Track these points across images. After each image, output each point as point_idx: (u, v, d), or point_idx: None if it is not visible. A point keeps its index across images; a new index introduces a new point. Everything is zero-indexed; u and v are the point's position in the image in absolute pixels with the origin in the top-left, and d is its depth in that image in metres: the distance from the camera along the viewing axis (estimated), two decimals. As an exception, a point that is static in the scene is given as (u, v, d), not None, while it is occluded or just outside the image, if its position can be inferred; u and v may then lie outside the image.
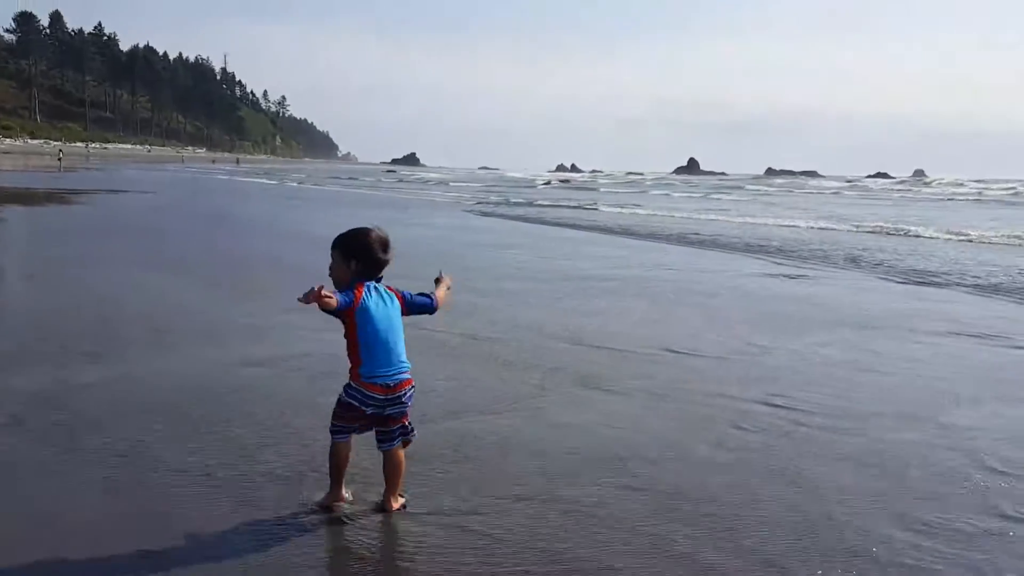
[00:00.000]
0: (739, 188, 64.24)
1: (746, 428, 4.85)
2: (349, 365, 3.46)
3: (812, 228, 22.60)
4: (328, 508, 3.54)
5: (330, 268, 3.50)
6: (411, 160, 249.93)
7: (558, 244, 16.72)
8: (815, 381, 5.96)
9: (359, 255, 3.44)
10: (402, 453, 3.56)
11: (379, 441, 3.55)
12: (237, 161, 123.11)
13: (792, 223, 24.40)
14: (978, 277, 12.49)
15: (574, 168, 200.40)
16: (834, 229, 22.33)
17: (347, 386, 3.48)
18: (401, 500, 3.59)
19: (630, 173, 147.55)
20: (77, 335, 6.68)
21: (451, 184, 61.49)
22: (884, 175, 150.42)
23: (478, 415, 4.92)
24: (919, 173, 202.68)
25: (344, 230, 3.52)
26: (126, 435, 4.37)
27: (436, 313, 3.66)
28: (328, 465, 3.58)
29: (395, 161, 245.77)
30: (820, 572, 3.13)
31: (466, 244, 16.18)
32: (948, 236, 19.76)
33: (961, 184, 78.68)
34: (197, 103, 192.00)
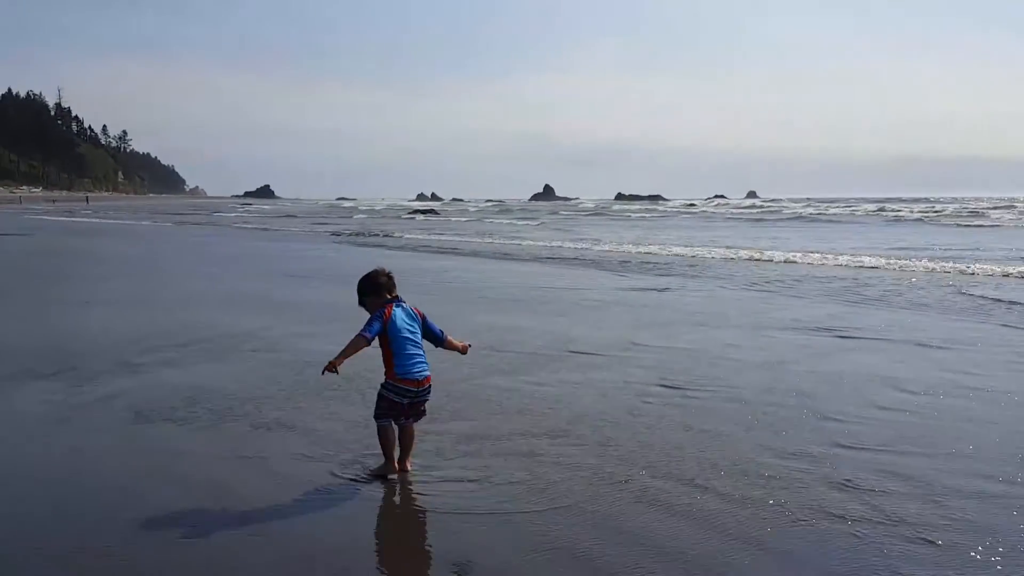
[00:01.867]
0: (597, 214, 67.92)
1: (651, 402, 6.30)
2: (384, 368, 4.60)
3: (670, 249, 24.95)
4: (384, 476, 4.59)
5: (367, 310, 4.69)
6: (265, 192, 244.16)
7: (444, 269, 17.97)
8: (692, 366, 7.51)
9: (370, 289, 4.70)
10: (414, 427, 4.71)
11: (401, 419, 4.64)
12: (86, 199, 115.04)
13: (660, 245, 26.71)
14: (798, 282, 14.76)
15: (434, 197, 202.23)
16: (692, 248, 24.75)
17: (385, 385, 4.59)
18: (411, 461, 4.71)
19: (489, 200, 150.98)
20: None
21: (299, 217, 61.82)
22: (722, 196, 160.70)
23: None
24: (752, 194, 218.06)
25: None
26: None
27: (443, 346, 4.82)
28: (380, 444, 4.63)
29: (248, 194, 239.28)
30: (713, 479, 4.55)
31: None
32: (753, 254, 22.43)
33: (754, 205, 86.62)
34: (30, 140, 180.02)
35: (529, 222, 53.59)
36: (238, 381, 6.93)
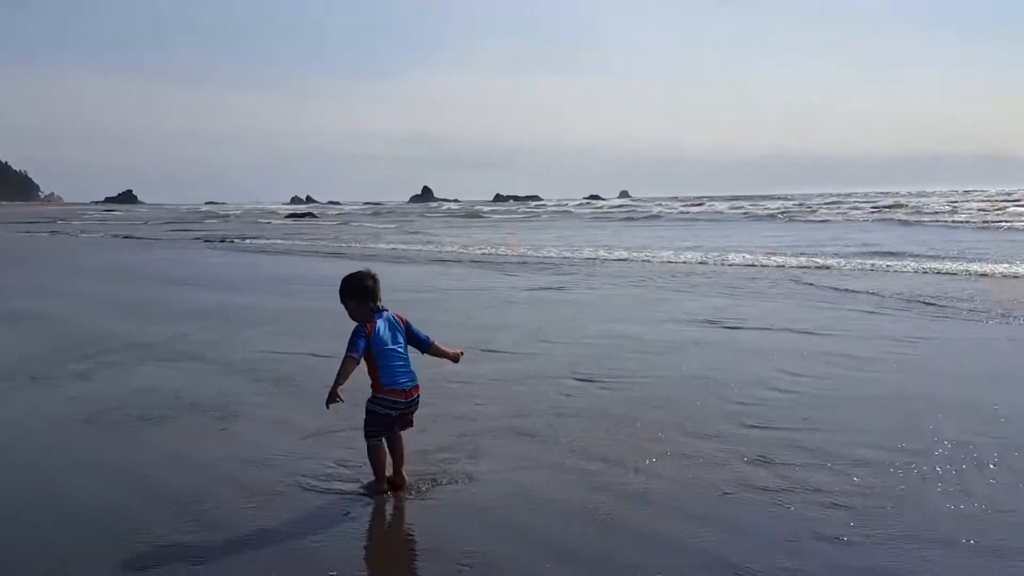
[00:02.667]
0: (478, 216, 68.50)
1: (570, 394, 6.62)
2: (371, 382, 4.45)
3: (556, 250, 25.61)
4: (378, 492, 4.48)
5: (349, 314, 4.53)
6: (127, 198, 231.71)
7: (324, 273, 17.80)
8: (601, 360, 7.90)
9: (353, 293, 4.51)
10: (403, 437, 4.57)
11: (389, 431, 4.51)
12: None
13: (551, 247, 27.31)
14: (675, 277, 15.60)
15: (309, 200, 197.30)
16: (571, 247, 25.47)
17: (372, 399, 4.45)
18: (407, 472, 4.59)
19: (367, 203, 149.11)
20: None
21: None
22: (596, 197, 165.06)
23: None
24: (624, 193, 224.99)
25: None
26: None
27: (430, 351, 4.64)
28: (370, 462, 4.52)
29: (109, 200, 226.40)
30: (640, 461, 4.89)
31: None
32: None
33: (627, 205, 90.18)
34: None
35: (389, 225, 53.29)
36: (169, 389, 6.77)
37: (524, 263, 20.34)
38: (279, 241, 33.66)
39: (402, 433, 4.58)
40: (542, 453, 5.18)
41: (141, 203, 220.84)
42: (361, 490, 4.55)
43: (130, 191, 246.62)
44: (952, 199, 61.31)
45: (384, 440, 4.53)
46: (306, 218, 69.23)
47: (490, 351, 8.44)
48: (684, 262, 19.44)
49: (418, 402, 4.57)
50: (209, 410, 6.26)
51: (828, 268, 17.29)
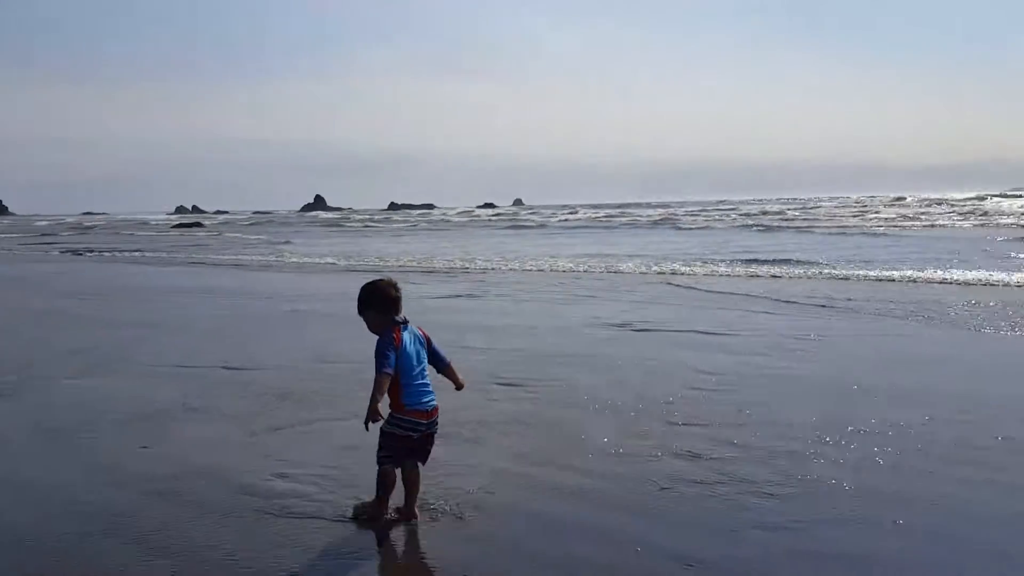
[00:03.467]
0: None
1: (496, 399, 6.65)
2: (389, 400, 4.05)
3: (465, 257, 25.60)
4: (375, 516, 4.17)
5: (367, 325, 4.19)
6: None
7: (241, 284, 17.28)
8: (523, 365, 7.98)
9: (375, 302, 4.15)
10: (419, 470, 4.23)
11: (406, 458, 4.16)
12: None
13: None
14: (576, 282, 15.94)
15: (196, 209, 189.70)
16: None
17: (392, 420, 4.07)
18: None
19: (257, 212, 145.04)
20: None
21: None
22: (491, 205, 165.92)
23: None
24: (518, 202, 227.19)
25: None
26: None
27: (444, 372, 4.31)
28: (379, 485, 4.16)
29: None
30: (577, 460, 4.99)
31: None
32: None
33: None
34: None
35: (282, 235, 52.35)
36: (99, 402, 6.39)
37: (431, 272, 20.29)
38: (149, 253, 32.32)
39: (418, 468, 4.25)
40: (476, 458, 5.19)
41: (12, 213, 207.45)
42: (355, 512, 4.24)
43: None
44: (833, 205, 64.65)
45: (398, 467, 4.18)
46: (194, 228, 66.84)
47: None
48: (584, 270, 19.77)
49: (437, 423, 4.21)
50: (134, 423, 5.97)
51: (716, 274, 18.00)
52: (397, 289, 4.22)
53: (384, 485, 4.18)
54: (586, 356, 8.47)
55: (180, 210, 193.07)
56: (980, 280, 15.07)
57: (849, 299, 12.71)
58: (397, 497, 4.25)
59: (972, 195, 72.37)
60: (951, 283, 14.89)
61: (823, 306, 12.02)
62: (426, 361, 4.21)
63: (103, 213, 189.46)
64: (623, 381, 7.24)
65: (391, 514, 4.22)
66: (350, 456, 5.12)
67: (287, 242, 40.13)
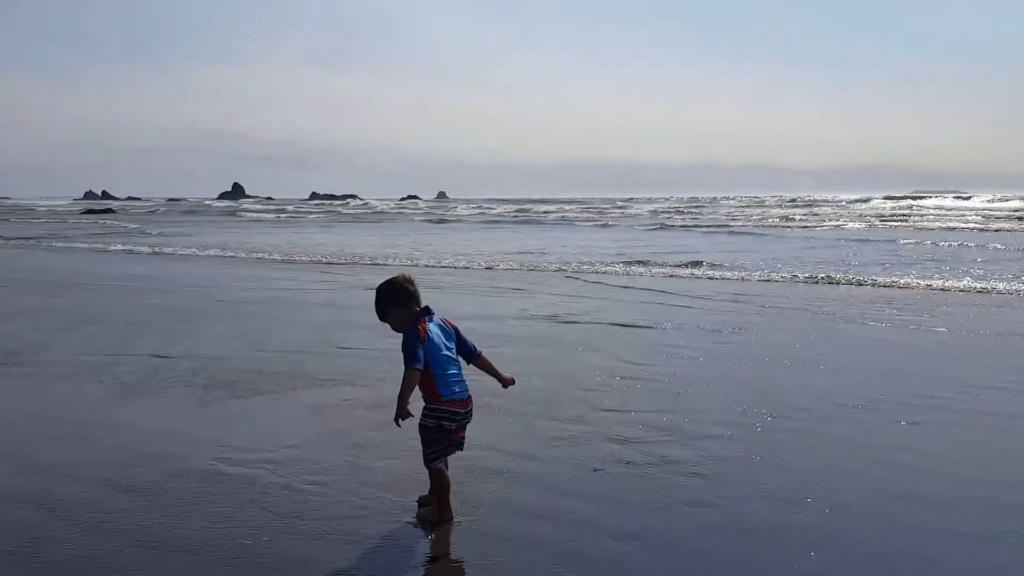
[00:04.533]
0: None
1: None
2: (425, 394, 4.03)
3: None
4: (444, 521, 4.08)
5: (392, 326, 4.15)
6: None
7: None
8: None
9: (395, 300, 4.12)
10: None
11: (449, 452, 4.11)
12: None
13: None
14: (496, 277, 16.21)
15: (106, 195, 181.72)
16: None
17: (429, 411, 4.01)
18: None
19: (171, 199, 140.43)
20: None
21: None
22: (415, 197, 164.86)
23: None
24: (442, 195, 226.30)
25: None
26: None
27: (475, 362, 4.27)
28: (436, 489, 4.09)
29: None
30: (505, 445, 5.21)
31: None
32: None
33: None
34: None
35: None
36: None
37: (330, 263, 20.21)
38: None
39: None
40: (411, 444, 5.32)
41: None
42: (419, 519, 4.16)
43: None
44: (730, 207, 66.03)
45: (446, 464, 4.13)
46: (105, 214, 64.37)
47: (343, 348, 8.49)
48: (508, 268, 20.03)
49: (472, 415, 4.19)
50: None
51: (647, 267, 18.55)
52: (412, 283, 4.18)
53: (440, 487, 4.08)
54: (519, 346, 8.69)
55: (89, 195, 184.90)
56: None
57: (758, 295, 13.32)
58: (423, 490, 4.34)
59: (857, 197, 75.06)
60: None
61: (738, 302, 12.57)
62: (455, 351, 4.16)
63: (5, 198, 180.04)
64: (556, 371, 7.51)
65: (448, 515, 4.12)
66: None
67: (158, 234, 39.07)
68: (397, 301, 4.11)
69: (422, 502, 4.26)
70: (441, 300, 12.78)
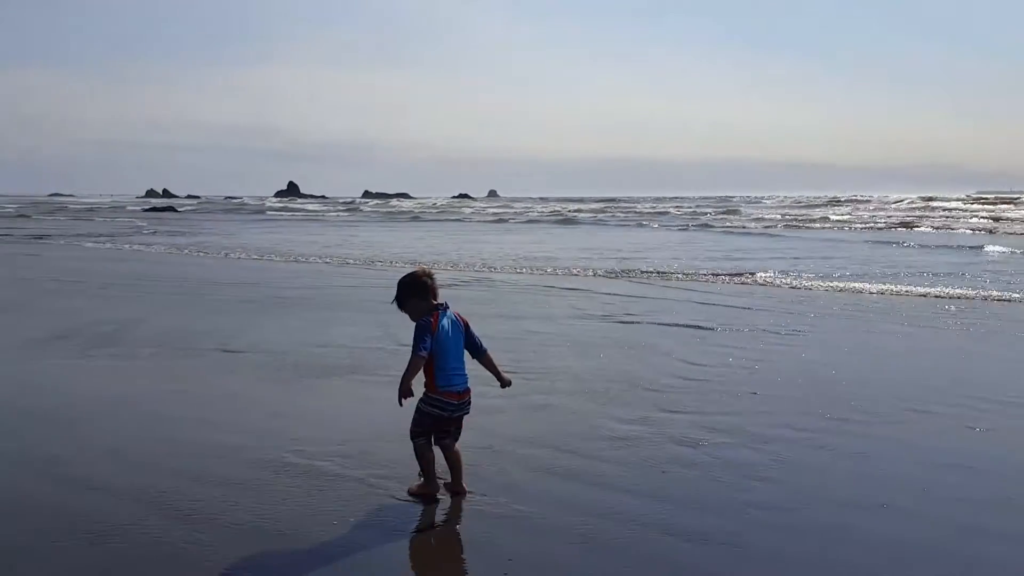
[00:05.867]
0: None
1: (493, 386, 6.89)
2: (425, 381, 4.36)
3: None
4: (429, 496, 4.41)
5: (409, 315, 4.42)
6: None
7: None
8: (515, 353, 8.23)
9: (413, 292, 4.41)
10: (458, 446, 4.50)
11: (441, 439, 4.43)
12: None
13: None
14: (556, 277, 16.22)
15: (167, 193, 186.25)
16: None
17: (426, 399, 4.36)
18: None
19: (229, 197, 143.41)
20: None
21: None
22: (466, 195, 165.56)
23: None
24: (492, 193, 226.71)
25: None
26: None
27: (480, 359, 4.55)
28: (420, 464, 4.43)
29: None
30: (577, 446, 5.26)
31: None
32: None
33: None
34: None
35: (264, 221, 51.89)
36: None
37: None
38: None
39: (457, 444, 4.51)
40: (486, 443, 5.39)
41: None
42: (409, 493, 4.47)
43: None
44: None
45: (433, 444, 4.45)
46: (167, 212, 66.21)
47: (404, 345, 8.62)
48: (552, 268, 20.06)
49: (470, 404, 4.48)
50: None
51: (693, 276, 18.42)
52: (431, 276, 4.48)
53: (423, 460, 4.42)
54: (579, 346, 8.76)
55: (151, 193, 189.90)
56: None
57: (818, 302, 13.10)
58: (444, 475, 4.52)
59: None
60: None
61: (797, 304, 12.40)
62: (462, 345, 4.45)
63: (70, 195, 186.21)
64: (618, 371, 7.54)
65: (442, 491, 4.46)
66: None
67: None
68: (415, 293, 4.43)
69: (447, 487, 4.50)
70: (496, 300, 12.91)
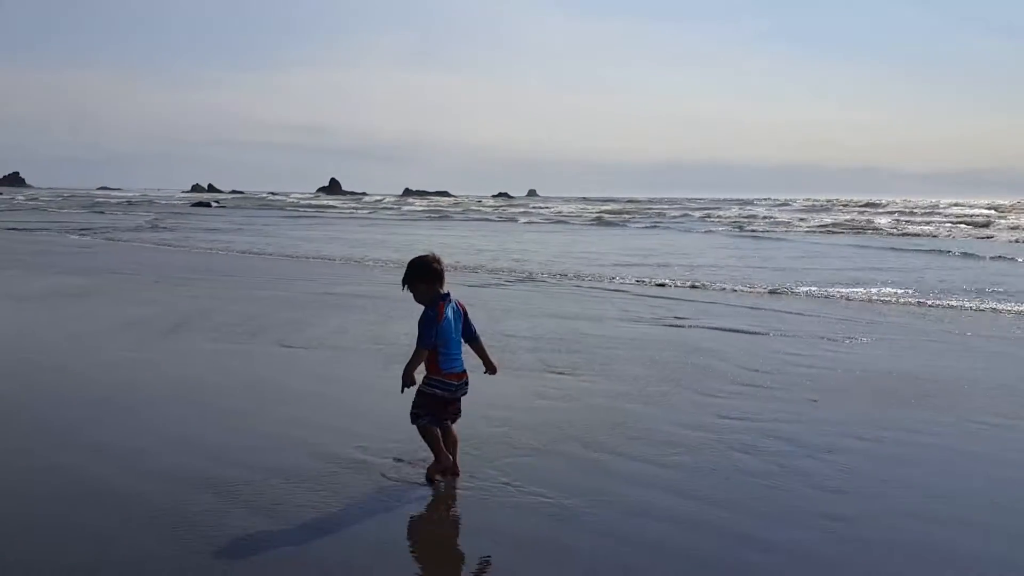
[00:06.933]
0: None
1: (551, 387, 6.93)
2: (427, 365, 4.59)
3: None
4: (443, 472, 4.65)
5: (415, 297, 4.65)
6: (14, 180, 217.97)
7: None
8: (569, 355, 8.26)
9: (422, 275, 4.60)
10: (453, 428, 4.78)
11: (443, 420, 4.68)
12: None
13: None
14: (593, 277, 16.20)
15: (211, 188, 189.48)
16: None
17: (428, 380, 4.59)
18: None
19: (272, 193, 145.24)
20: None
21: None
22: (505, 195, 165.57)
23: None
24: (532, 192, 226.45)
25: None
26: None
27: (472, 345, 4.76)
28: (428, 443, 4.64)
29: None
30: (637, 449, 5.28)
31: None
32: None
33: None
34: None
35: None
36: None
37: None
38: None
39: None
40: (549, 446, 5.44)
41: (30, 186, 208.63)
42: (428, 476, 4.66)
43: (16, 173, 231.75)
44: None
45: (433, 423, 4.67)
46: (213, 206, 67.54)
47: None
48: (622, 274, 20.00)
49: (467, 385, 4.73)
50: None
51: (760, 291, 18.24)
52: (440, 263, 4.66)
53: (430, 438, 4.63)
54: (631, 348, 8.73)
55: (196, 188, 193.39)
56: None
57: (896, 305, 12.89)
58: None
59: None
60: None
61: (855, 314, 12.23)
62: (460, 331, 4.69)
63: (118, 189, 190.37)
64: (672, 377, 7.51)
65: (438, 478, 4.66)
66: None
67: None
68: (423, 277, 4.60)
69: (430, 476, 4.67)
70: (544, 300, 12.94)
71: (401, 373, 4.58)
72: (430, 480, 4.65)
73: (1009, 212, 49.33)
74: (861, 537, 4.11)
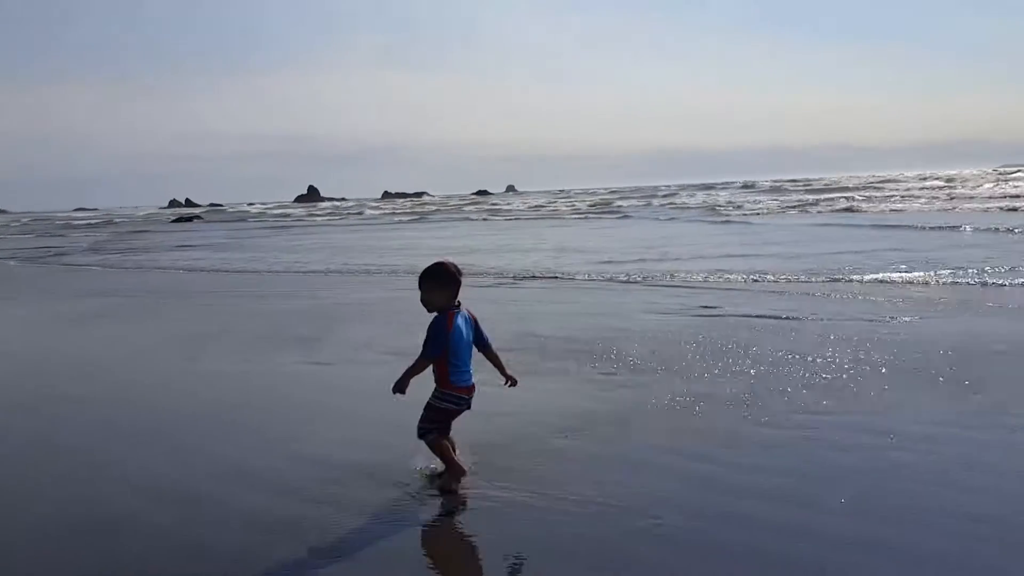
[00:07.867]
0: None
1: (608, 381, 6.60)
2: (437, 378, 4.49)
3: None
4: (459, 478, 4.50)
5: (422, 298, 4.51)
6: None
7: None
8: (615, 354, 7.93)
9: (443, 281, 4.48)
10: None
11: (447, 431, 4.63)
12: None
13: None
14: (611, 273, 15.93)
15: (189, 203, 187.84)
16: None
17: (439, 394, 4.49)
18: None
19: (251, 204, 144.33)
20: None
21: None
22: (485, 192, 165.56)
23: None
24: (511, 188, 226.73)
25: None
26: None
27: (485, 353, 4.68)
28: (439, 455, 4.54)
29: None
30: (716, 451, 4.96)
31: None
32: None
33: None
34: None
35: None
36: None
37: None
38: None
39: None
40: (624, 456, 5.12)
41: (3, 211, 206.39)
42: (443, 489, 4.50)
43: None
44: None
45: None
46: (195, 220, 66.80)
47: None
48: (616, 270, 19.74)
49: (471, 402, 4.63)
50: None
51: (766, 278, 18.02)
52: (459, 273, 4.54)
53: (440, 450, 4.50)
54: (696, 344, 8.33)
55: (173, 203, 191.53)
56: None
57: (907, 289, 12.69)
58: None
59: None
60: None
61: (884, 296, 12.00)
62: (472, 342, 4.55)
63: (94, 209, 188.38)
64: (754, 371, 7.16)
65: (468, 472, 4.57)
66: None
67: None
68: (440, 284, 4.47)
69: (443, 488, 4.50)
70: (563, 297, 12.63)
71: (397, 379, 4.41)
72: (448, 491, 4.46)
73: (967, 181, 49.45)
74: (978, 535, 3.83)
